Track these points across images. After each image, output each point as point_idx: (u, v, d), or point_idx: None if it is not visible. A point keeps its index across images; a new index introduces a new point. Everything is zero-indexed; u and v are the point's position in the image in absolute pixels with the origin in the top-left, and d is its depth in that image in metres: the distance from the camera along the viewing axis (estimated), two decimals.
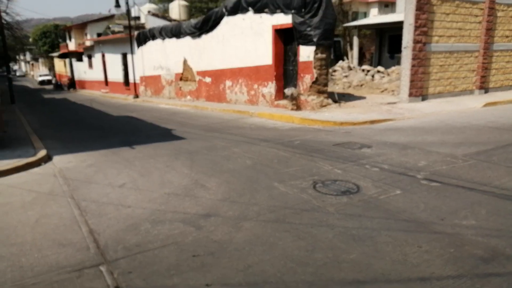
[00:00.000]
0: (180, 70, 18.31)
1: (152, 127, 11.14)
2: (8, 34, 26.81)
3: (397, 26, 14.68)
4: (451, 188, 4.93)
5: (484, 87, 14.37)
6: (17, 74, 77.25)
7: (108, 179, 5.79)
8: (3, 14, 22.17)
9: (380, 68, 18.03)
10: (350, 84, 17.13)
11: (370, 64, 22.34)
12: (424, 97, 12.88)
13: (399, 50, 13.03)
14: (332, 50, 26.59)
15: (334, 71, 19.05)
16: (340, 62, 20.76)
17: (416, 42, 12.11)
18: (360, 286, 2.94)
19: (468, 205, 4.37)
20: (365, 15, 34.96)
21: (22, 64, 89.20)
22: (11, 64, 40.00)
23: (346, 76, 18.06)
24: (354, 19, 29.94)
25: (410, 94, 12.49)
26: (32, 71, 75.60)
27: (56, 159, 7.19)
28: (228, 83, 15.29)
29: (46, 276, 3.19)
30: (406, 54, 12.34)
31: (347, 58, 24.80)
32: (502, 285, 2.89)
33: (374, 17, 27.08)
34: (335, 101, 12.37)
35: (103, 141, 8.97)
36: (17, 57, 76.10)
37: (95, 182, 5.69)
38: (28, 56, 77.53)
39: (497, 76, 14.81)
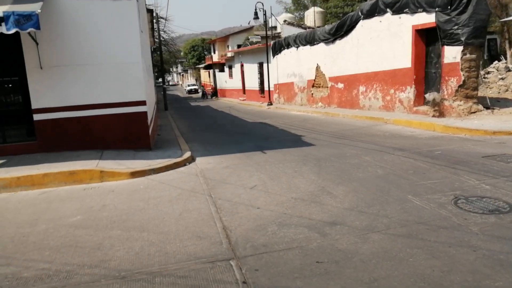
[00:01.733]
0: (313, 77, 18.51)
1: (283, 133, 11.49)
2: (164, 49, 30.90)
3: None
4: None
5: None
6: (170, 83, 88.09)
7: (241, 181, 6.18)
8: (161, 33, 25.64)
9: None
10: (508, 88, 14.91)
11: None
12: None
13: None
14: (485, 49, 23.63)
15: (488, 73, 16.86)
16: (496, 62, 18.26)
17: None
18: None
19: None
20: None
21: (174, 75, 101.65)
22: (165, 76, 45.91)
23: (502, 79, 15.79)
24: None
25: None
26: (182, 81, 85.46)
27: (198, 160, 7.98)
28: (362, 88, 14.84)
29: (185, 264, 3.55)
30: None
31: (505, 58, 21.67)
32: None
33: None
34: (486, 107, 10.93)
35: (238, 145, 9.61)
36: (171, 69, 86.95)
37: (229, 182, 6.13)
38: (179, 68, 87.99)
39: None
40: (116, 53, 8.04)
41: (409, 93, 12.38)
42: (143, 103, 8.41)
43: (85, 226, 4.64)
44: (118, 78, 8.14)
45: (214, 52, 44.82)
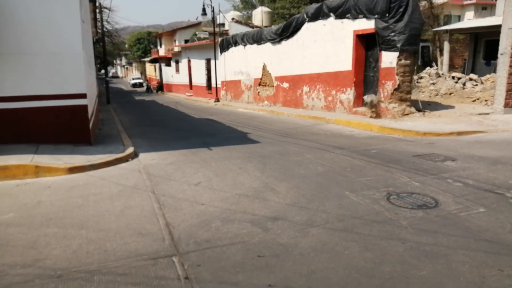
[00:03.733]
0: (259, 76, 18.75)
1: (230, 130, 11.55)
2: (108, 40, 29.69)
3: (496, 31, 13.49)
4: None
5: None
6: (109, 74, 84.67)
7: (185, 177, 6.15)
8: (104, 23, 24.59)
9: (472, 75, 16.72)
10: (438, 92, 16.11)
11: (462, 71, 20.79)
12: None
13: (496, 56, 11.96)
14: (420, 56, 25.28)
15: (420, 78, 18.08)
16: (428, 68, 19.62)
17: None
18: None
19: None
20: (459, 18, 32.59)
21: (118, 68, 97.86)
22: (108, 68, 44.12)
23: (433, 84, 17.02)
24: (446, 23, 28.11)
25: (506, 105, 11.38)
26: (126, 75, 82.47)
27: (142, 156, 7.80)
28: (306, 88, 15.29)
29: (126, 261, 3.49)
30: (503, 61, 11.28)
31: (436, 65, 23.34)
32: None
33: (469, 20, 25.16)
34: (418, 110, 11.74)
35: (184, 141, 9.53)
36: (114, 61, 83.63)
37: (174, 179, 6.08)
38: (123, 61, 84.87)
39: None
40: (55, 42, 7.62)
41: (349, 94, 12.95)
42: (83, 96, 8.06)
43: (18, 224, 4.39)
44: (57, 69, 7.72)
45: (161, 46, 43.77)
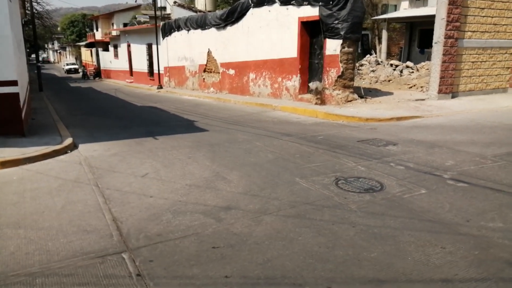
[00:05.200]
0: (204, 62, 18.40)
1: (175, 118, 11.25)
2: (38, 23, 27.52)
3: (429, 20, 14.27)
4: (479, 189, 4.78)
5: None
6: (40, 58, 79.17)
7: (131, 169, 5.89)
8: (34, 4, 22.75)
9: (409, 63, 17.62)
10: (377, 79, 16.81)
11: (399, 59, 21.85)
12: (454, 95, 12.51)
13: (430, 45, 12.68)
14: (360, 43, 26.17)
15: (361, 65, 18.74)
16: (368, 56, 20.38)
17: (447, 37, 11.75)
18: (380, 285, 2.89)
19: (496, 207, 4.23)
20: (396, 8, 34.05)
21: (50, 52, 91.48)
22: (39, 52, 41.13)
23: (373, 71, 17.73)
24: (384, 12, 29.26)
25: (440, 91, 12.15)
26: (59, 60, 77.37)
27: (82, 147, 7.36)
28: (252, 75, 15.26)
29: (71, 261, 3.27)
30: (437, 49, 12.00)
31: (375, 52, 24.32)
32: None
33: (405, 10, 26.36)
34: (361, 96, 12.17)
35: (127, 131, 9.12)
36: (46, 45, 78.06)
37: (118, 171, 5.80)
38: (56, 45, 79.45)
39: None
40: None
41: (295, 81, 13.11)
42: (14, 83, 7.39)
43: None
44: None
45: (97, 30, 41.45)
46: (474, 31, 12.36)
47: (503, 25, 12.94)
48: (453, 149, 6.67)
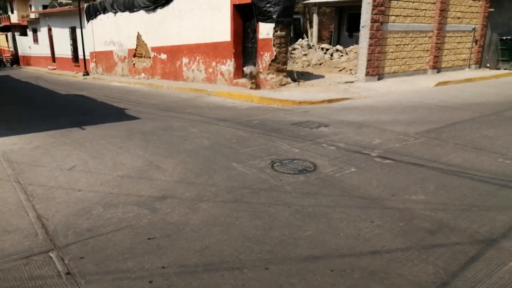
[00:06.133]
0: (134, 46, 17.60)
1: (104, 106, 10.69)
2: None
3: (357, 5, 14.81)
4: (403, 165, 5.12)
5: (436, 67, 14.95)
6: None
7: (56, 162, 5.50)
8: None
9: (338, 47, 18.24)
10: (309, 63, 17.23)
11: (330, 43, 22.54)
12: (380, 77, 13.22)
13: (358, 29, 13.20)
14: (292, 27, 26.56)
15: (294, 49, 19.06)
16: (300, 40, 20.77)
17: (373, 21, 12.30)
18: (315, 261, 3.00)
19: (418, 181, 4.55)
20: None
21: None
22: None
23: (305, 55, 18.13)
24: None
25: (367, 74, 12.76)
26: None
27: None
28: (185, 60, 14.90)
29: None
30: (364, 33, 12.53)
31: (307, 37, 24.86)
32: (445, 255, 3.05)
33: None
34: (294, 80, 12.41)
35: (51, 121, 8.50)
36: None
37: (42, 165, 5.39)
38: None
39: (449, 56, 15.45)
40: None
41: (229, 66, 13.02)
42: None
43: None
44: None
45: (12, 12, 37.79)
46: (397, 15, 13.08)
47: (423, 10, 13.84)
48: (379, 128, 7.06)
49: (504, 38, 16.12)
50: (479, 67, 16.75)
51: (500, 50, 16.21)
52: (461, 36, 15.63)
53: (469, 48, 16.12)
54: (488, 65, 16.63)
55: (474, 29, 15.90)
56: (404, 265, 2.93)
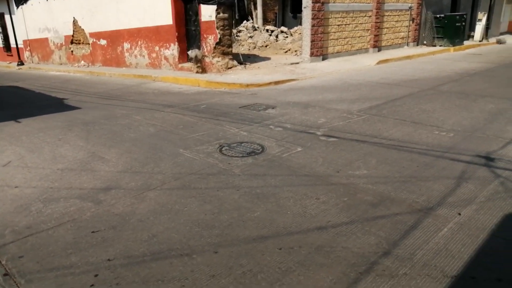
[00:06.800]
0: (71, 32, 16.61)
1: (41, 97, 10.06)
2: None
3: None
4: (346, 142, 5.30)
5: (377, 46, 15.47)
6: None
7: None
8: None
9: (283, 28, 18.31)
10: (255, 45, 17.18)
11: (275, 24, 22.55)
12: (324, 57, 13.47)
13: (301, 10, 13.30)
14: (236, 9, 26.28)
15: (239, 31, 18.88)
16: (245, 22, 20.60)
17: (315, 1, 12.44)
18: (264, 241, 3.05)
19: (361, 156, 4.74)
20: None
21: None
22: None
23: (251, 37, 18.03)
24: None
25: (312, 54, 12.96)
26: None
27: None
28: (126, 45, 14.31)
29: None
30: (307, 13, 12.66)
31: (252, 18, 24.70)
32: (386, 225, 3.22)
33: None
34: (240, 63, 12.34)
35: None
36: None
37: None
38: None
39: (388, 35, 16.01)
40: None
41: (173, 50, 12.68)
42: None
43: None
44: None
45: None
46: None
47: None
48: (324, 107, 7.23)
49: (438, 16, 16.96)
50: (417, 45, 17.55)
51: (435, 28, 17.06)
52: (399, 15, 16.24)
53: (407, 26, 16.82)
54: (425, 42, 17.47)
55: (410, 7, 16.57)
56: (349, 238, 3.06)
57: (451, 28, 16.62)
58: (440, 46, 16.83)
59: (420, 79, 9.90)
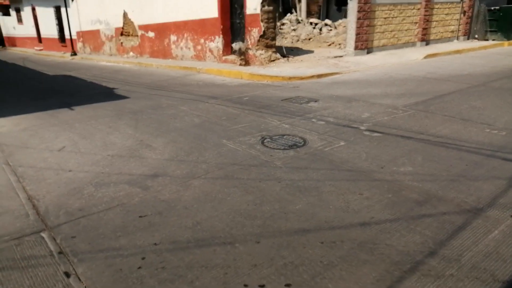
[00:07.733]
0: (121, 25, 17.24)
1: (93, 86, 10.55)
2: None
3: None
4: (391, 137, 5.17)
5: (425, 39, 14.88)
6: None
7: (45, 143, 5.46)
8: None
9: (327, 21, 18.02)
10: (299, 38, 17.04)
11: (318, 17, 22.23)
12: (369, 50, 13.14)
13: (346, 3, 13.02)
14: (280, 2, 26.11)
15: (283, 24, 18.79)
16: (289, 15, 20.45)
17: None
18: (305, 234, 3.06)
19: (406, 153, 4.61)
20: None
21: None
22: None
23: (294, 30, 17.90)
24: None
25: (356, 47, 12.67)
26: None
27: None
28: (173, 37, 14.65)
29: None
30: (352, 6, 12.38)
31: (296, 11, 24.47)
32: (433, 224, 3.12)
33: None
34: (283, 56, 12.30)
35: (39, 103, 8.38)
36: None
37: (31, 146, 5.35)
38: None
39: (437, 28, 15.35)
40: None
41: (218, 42, 12.84)
42: None
43: None
44: None
45: None
46: None
47: None
48: (368, 102, 7.07)
49: (492, 8, 16.02)
50: (468, 39, 16.70)
51: (488, 21, 16.13)
52: (449, 8, 15.50)
53: (458, 19, 16.03)
54: (476, 36, 16.59)
55: (462, 0, 15.77)
56: (393, 236, 3.00)
57: (506, 21, 15.64)
58: (493, 40, 15.92)
59: (470, 75, 9.43)
